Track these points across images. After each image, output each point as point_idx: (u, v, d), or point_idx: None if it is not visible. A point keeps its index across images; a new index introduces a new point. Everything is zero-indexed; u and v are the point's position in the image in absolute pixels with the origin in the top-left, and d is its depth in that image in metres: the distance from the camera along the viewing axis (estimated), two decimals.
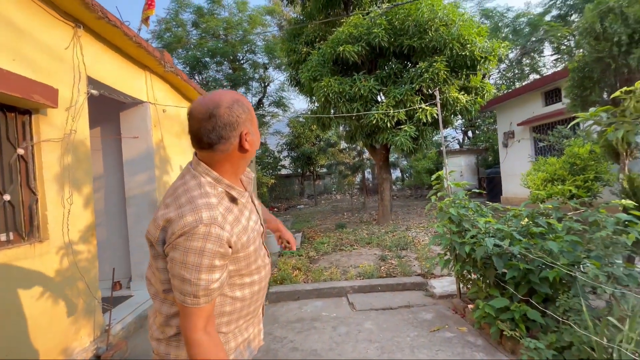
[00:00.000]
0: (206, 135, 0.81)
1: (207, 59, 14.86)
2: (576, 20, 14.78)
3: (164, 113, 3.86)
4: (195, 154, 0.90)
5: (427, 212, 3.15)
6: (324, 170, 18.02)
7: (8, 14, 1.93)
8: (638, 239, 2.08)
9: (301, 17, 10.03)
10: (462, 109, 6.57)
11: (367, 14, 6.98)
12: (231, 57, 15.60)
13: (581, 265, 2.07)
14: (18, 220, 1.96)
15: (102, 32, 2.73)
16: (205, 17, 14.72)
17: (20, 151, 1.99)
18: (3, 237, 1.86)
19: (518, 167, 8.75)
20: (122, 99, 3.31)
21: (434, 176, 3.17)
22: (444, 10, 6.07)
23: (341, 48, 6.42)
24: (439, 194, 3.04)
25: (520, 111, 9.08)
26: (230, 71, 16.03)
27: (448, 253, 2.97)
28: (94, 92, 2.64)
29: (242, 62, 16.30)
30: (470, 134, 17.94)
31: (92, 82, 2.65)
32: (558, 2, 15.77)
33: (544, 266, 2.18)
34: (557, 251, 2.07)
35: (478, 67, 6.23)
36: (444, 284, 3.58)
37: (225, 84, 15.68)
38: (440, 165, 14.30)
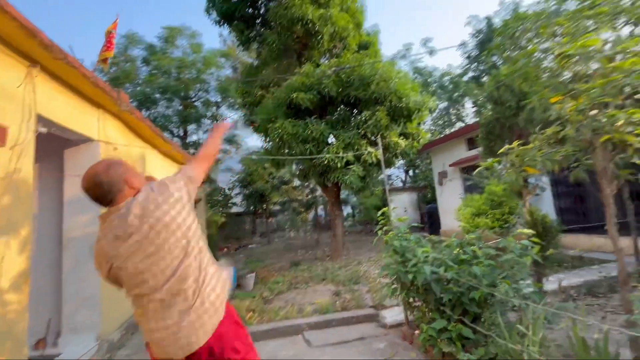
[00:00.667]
0: (104, 198, 1.15)
1: (157, 95, 14.57)
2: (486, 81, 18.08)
3: (114, 151, 3.76)
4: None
5: (375, 245, 3.45)
6: (278, 207, 17.97)
7: None
8: (536, 260, 2.61)
9: (256, 63, 10.67)
10: (402, 152, 7.42)
11: (318, 66, 7.78)
12: (183, 95, 15.53)
13: (498, 286, 2.49)
14: None
15: (59, 72, 2.73)
16: (157, 55, 14.69)
17: None
18: None
19: (452, 203, 9.86)
20: (70, 136, 3.19)
21: (379, 212, 3.55)
22: (383, 68, 7.07)
23: (295, 95, 6.99)
24: (384, 229, 3.39)
25: (451, 154, 10.47)
26: (181, 108, 15.84)
27: (395, 282, 3.26)
28: (43, 130, 2.56)
29: (193, 100, 16.28)
30: (411, 173, 19.73)
31: (42, 120, 2.58)
32: (472, 67, 19.20)
33: (472, 288, 2.56)
34: (480, 274, 2.47)
35: (413, 116, 7.23)
36: (394, 314, 3.82)
37: (174, 120, 15.36)
38: (387, 202, 15.36)
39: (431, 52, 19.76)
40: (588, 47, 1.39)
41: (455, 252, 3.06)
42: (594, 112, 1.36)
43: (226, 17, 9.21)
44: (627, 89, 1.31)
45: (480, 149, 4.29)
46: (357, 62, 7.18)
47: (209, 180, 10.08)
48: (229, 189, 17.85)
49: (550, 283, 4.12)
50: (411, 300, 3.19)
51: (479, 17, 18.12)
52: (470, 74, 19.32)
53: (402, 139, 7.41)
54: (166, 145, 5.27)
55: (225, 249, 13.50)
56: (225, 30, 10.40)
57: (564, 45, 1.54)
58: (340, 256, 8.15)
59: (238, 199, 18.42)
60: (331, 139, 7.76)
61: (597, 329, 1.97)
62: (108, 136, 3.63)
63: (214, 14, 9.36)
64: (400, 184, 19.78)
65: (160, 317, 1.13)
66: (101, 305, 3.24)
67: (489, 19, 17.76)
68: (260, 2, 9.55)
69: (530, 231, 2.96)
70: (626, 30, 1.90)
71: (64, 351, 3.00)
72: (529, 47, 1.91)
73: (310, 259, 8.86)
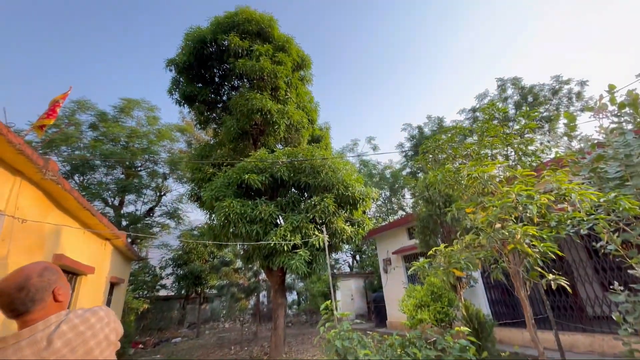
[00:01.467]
0: (27, 302, 1.00)
1: (98, 162, 13.66)
2: (421, 177, 20.67)
3: (21, 224, 3.24)
4: (21, 322, 1.01)
5: (316, 343, 3.15)
6: (214, 291, 16.10)
7: None
8: None
9: (212, 141, 10.96)
10: (348, 238, 7.59)
11: (273, 151, 8.24)
12: (128, 164, 14.80)
13: None
14: None
15: None
16: (107, 123, 14.35)
17: None
18: None
19: (396, 293, 9.86)
20: None
21: (322, 306, 3.38)
22: (332, 161, 7.73)
23: (247, 176, 7.10)
24: (327, 325, 3.19)
25: (394, 241, 10.97)
26: (123, 176, 14.88)
27: None
28: None
29: (139, 169, 15.54)
30: (358, 258, 19.87)
31: None
32: (409, 164, 22.02)
33: None
34: None
35: (358, 205, 7.69)
36: None
37: (112, 187, 14.19)
38: (335, 288, 14.79)
39: (374, 149, 22.48)
40: (487, 172, 1.76)
41: (398, 352, 2.93)
42: (498, 225, 1.63)
43: (188, 99, 9.71)
44: (520, 208, 1.63)
45: (417, 241, 4.60)
46: (309, 153, 7.78)
47: (137, 258, 8.93)
48: (160, 268, 15.83)
49: None
50: None
51: (412, 125, 21.77)
52: (408, 169, 22.02)
53: (348, 226, 7.67)
54: (92, 219, 4.72)
55: (141, 345, 11.14)
56: (185, 109, 10.81)
57: (470, 168, 1.92)
58: (280, 354, 7.20)
59: (169, 281, 16.23)
60: (280, 221, 7.72)
61: None
62: (20, 207, 3.16)
63: (177, 95, 9.83)
64: (348, 269, 19.58)
65: None
66: None
67: (420, 128, 21.38)
68: (223, 90, 10.42)
69: (466, 329, 3.02)
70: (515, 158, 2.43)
71: None
72: (445, 163, 2.33)
73: (246, 358, 7.65)
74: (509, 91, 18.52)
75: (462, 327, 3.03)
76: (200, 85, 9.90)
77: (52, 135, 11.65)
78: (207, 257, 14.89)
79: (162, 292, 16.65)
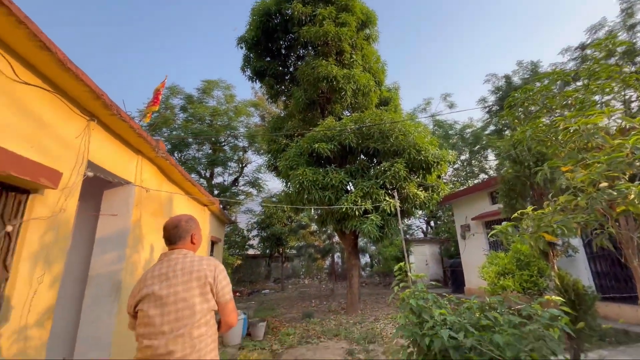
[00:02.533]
0: (176, 236, 1.60)
1: (190, 140, 15.74)
2: (509, 135, 18.10)
3: (147, 193, 4.06)
4: (169, 248, 1.62)
5: (390, 302, 3.31)
6: (294, 252, 17.71)
7: (37, 109, 2.28)
8: (566, 331, 2.40)
9: (282, 114, 11.48)
10: (421, 203, 7.36)
11: (340, 119, 8.25)
12: (213, 140, 16.68)
13: (523, 358, 2.28)
14: None
15: (110, 124, 3.13)
16: (194, 104, 16.21)
17: (9, 228, 2.07)
18: None
19: (476, 259, 9.35)
20: (111, 179, 3.52)
21: (396, 267, 3.47)
22: (402, 123, 7.38)
23: (317, 145, 7.35)
24: (401, 285, 3.29)
25: (473, 207, 10.20)
26: (211, 151, 16.91)
27: (411, 345, 3.06)
28: (90, 174, 2.87)
29: (223, 144, 17.39)
30: (432, 224, 19.13)
31: (91, 165, 2.91)
32: (494, 121, 19.41)
33: (494, 359, 2.36)
34: (503, 344, 2.30)
35: (432, 169, 7.29)
36: None
37: (203, 162, 16.31)
38: (408, 253, 14.75)
39: (451, 106, 20.37)
40: (591, 122, 1.46)
41: (476, 315, 2.88)
42: (604, 184, 1.38)
43: (258, 74, 10.22)
44: (637, 164, 1.34)
45: (500, 205, 4.21)
46: (377, 118, 7.55)
47: (229, 221, 10.32)
48: (247, 230, 18.02)
49: None
50: None
51: (497, 75, 18.80)
52: (492, 127, 19.48)
53: (421, 191, 7.40)
54: (192, 188, 5.59)
55: (238, 293, 13.22)
56: (257, 84, 11.44)
57: (569, 120, 1.62)
58: (355, 310, 7.74)
59: (255, 241, 18.45)
60: (350, 188, 7.89)
61: None
62: (143, 179, 3.95)
63: (248, 71, 10.43)
64: (421, 235, 19.12)
65: (152, 354, 1.35)
66: (112, 347, 3.24)
67: (507, 77, 18.37)
68: (290, 61, 10.61)
69: (559, 298, 2.77)
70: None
71: None
72: (537, 117, 2.01)
73: (324, 311, 8.46)
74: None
75: (553, 297, 2.79)
76: (268, 59, 10.26)
77: (156, 119, 13.79)
78: (285, 221, 16.30)
79: (251, 251, 19.03)
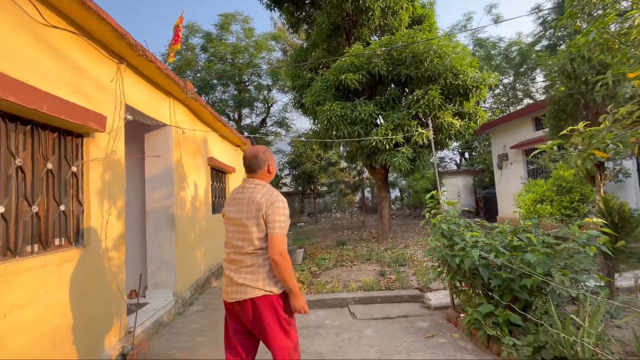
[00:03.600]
0: (255, 165, 1.72)
1: (215, 81, 15.56)
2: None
3: (183, 134, 4.25)
4: (248, 175, 1.77)
5: (422, 227, 3.44)
6: (325, 188, 18.34)
7: (72, 56, 2.34)
8: (604, 250, 2.40)
9: (305, 45, 10.72)
10: (457, 133, 7.00)
11: (368, 44, 7.57)
12: (237, 80, 16.35)
13: (554, 274, 2.36)
14: (69, 227, 2.28)
15: (139, 66, 3.15)
16: (214, 42, 15.58)
17: (74, 169, 2.33)
18: (57, 242, 2.17)
19: (512, 188, 9.10)
20: (149, 122, 3.70)
21: (428, 195, 3.51)
22: (438, 43, 6.63)
23: (343, 76, 6.94)
24: (432, 212, 3.36)
25: (513, 135, 9.55)
26: (236, 92, 16.75)
27: (441, 265, 3.25)
28: (130, 117, 3.02)
29: (247, 84, 17.05)
30: (467, 155, 18.42)
31: (128, 109, 3.04)
32: (547, 34, 16.75)
33: (524, 276, 2.47)
34: (534, 262, 2.37)
35: (470, 95, 6.71)
36: (439, 297, 3.82)
37: (230, 104, 16.33)
38: (440, 185, 14.66)
39: (496, 20, 17.69)
40: None
41: (508, 238, 2.93)
42: None
43: (276, 0, 9.34)
44: None
45: (546, 129, 3.89)
46: (409, 39, 6.81)
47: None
48: (279, 170, 18.70)
49: (625, 279, 3.71)
50: (457, 284, 3.17)
51: None
52: (544, 42, 16.92)
53: (457, 120, 6.96)
54: (224, 128, 5.74)
55: None
56: (276, 13, 10.56)
57: None
58: (386, 238, 8.17)
59: (287, 180, 19.24)
60: (380, 121, 7.62)
61: None
62: (177, 121, 4.11)
63: None
64: (455, 167, 18.65)
65: (226, 266, 1.67)
66: (175, 268, 3.81)
67: None
68: None
69: (600, 220, 2.70)
70: None
71: (151, 302, 3.64)
72: (606, 15, 1.68)
73: (356, 239, 9.04)
74: None
75: (594, 219, 2.73)
76: None
77: (178, 62, 13.60)
78: (315, 159, 16.56)
79: (284, 189, 20.00)
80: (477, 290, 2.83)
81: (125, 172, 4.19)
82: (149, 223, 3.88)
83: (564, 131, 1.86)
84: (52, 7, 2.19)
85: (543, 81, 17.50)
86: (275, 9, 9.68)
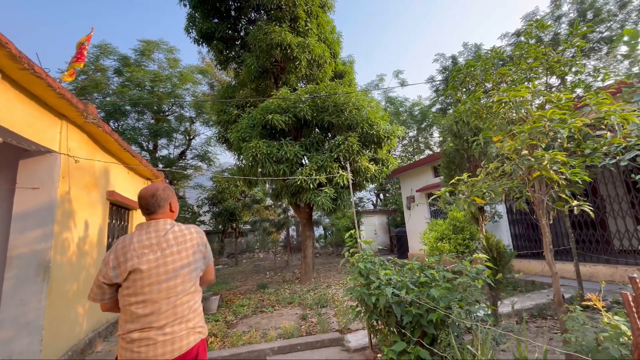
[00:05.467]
0: (155, 205, 1.54)
1: (128, 107, 14.12)
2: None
3: (76, 164, 3.60)
4: (148, 218, 1.57)
5: (341, 267, 3.51)
6: (248, 227, 17.54)
7: None
8: (488, 283, 2.80)
9: (233, 82, 10.79)
10: (372, 176, 7.70)
11: (295, 90, 8.04)
12: (155, 108, 15.17)
13: (453, 307, 2.62)
14: None
15: (23, 82, 2.65)
16: (131, 67, 14.39)
17: None
18: None
19: (419, 227, 10.23)
20: (28, 147, 3.04)
21: (347, 235, 3.64)
22: (356, 97, 7.46)
23: (270, 116, 7.12)
24: (351, 250, 3.48)
25: (418, 180, 11.00)
26: (153, 121, 15.42)
27: (359, 305, 3.31)
28: None
29: (167, 114, 15.94)
30: (382, 196, 20.28)
31: None
32: (440, 99, 20.64)
33: (430, 310, 2.67)
34: (437, 297, 2.60)
35: (383, 143, 7.59)
36: (358, 337, 3.83)
37: (145, 132, 14.87)
38: (359, 223, 15.58)
39: (402, 84, 21.08)
40: (519, 96, 1.64)
41: (416, 275, 3.19)
42: (525, 152, 1.58)
43: (205, 36, 9.35)
44: (551, 134, 1.55)
45: (442, 177, 4.61)
46: (332, 90, 7.51)
47: (177, 196, 9.72)
48: (197, 207, 17.26)
49: (505, 306, 4.37)
50: (374, 323, 3.24)
51: (445, 55, 19.77)
52: (438, 105, 20.74)
53: (372, 164, 7.71)
54: (133, 159, 5.11)
55: None
56: (204, 48, 10.50)
57: (502, 93, 1.79)
58: (309, 279, 8.06)
59: (206, 217, 17.81)
60: (304, 161, 7.91)
61: (538, 348, 2.14)
62: (70, 148, 3.49)
63: (194, 33, 9.48)
64: (372, 207, 20.21)
65: (147, 323, 1.37)
66: (43, 332, 2.97)
67: (454, 58, 19.42)
68: (240, 25, 9.84)
69: (484, 256, 3.18)
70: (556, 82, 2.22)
71: None
72: (476, 91, 2.18)
73: (279, 281, 8.67)
74: (565, 7, 15.79)
75: (480, 255, 3.20)
76: (216, 20, 9.39)
77: (83, 82, 12.00)
78: (239, 196, 15.93)
79: (202, 228, 18.40)
80: (391, 328, 2.93)
81: None
82: (9, 274, 3.00)
83: (453, 180, 2.22)
84: None
85: (438, 137, 21.14)
86: (204, 44, 9.64)
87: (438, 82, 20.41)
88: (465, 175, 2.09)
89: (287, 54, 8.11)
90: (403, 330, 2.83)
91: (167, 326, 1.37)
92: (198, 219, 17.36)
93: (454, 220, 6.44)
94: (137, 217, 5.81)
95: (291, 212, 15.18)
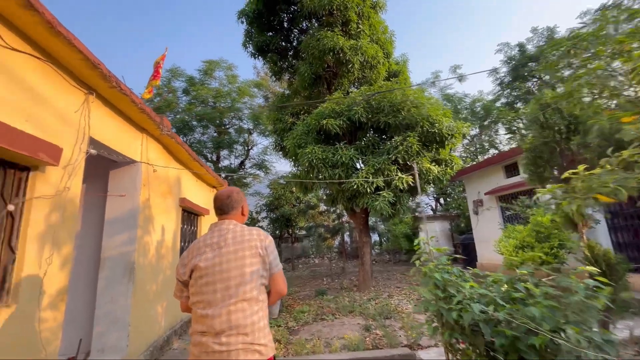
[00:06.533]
0: (229, 206, 1.58)
1: (195, 123, 15.51)
2: (521, 107, 17.42)
3: (154, 173, 3.92)
4: (220, 218, 1.59)
5: (411, 276, 3.20)
6: (303, 232, 17.79)
7: (30, 80, 2.09)
8: (607, 304, 2.25)
9: (287, 92, 11.12)
10: (435, 179, 7.14)
11: (348, 93, 7.92)
12: (217, 122, 16.41)
13: (561, 332, 2.15)
14: None
15: (111, 99, 2.94)
16: (196, 86, 15.84)
17: (11, 207, 1.95)
18: None
19: (489, 234, 9.20)
20: (117, 158, 3.38)
21: (416, 241, 3.32)
22: (414, 95, 7.03)
23: (325, 121, 7.08)
24: (422, 259, 3.15)
25: (487, 181, 9.95)
26: (215, 134, 16.69)
27: (435, 320, 2.96)
28: (93, 151, 2.72)
29: (227, 126, 17.13)
30: (442, 200, 18.93)
31: (93, 142, 2.75)
32: (505, 93, 18.71)
33: (529, 332, 2.23)
34: (539, 317, 2.16)
35: (446, 142, 7.00)
36: (432, 355, 3.45)
37: (209, 145, 16.14)
38: (417, 230, 14.67)
39: (461, 78, 19.62)
40: None
41: (502, 288, 2.74)
42: None
43: (261, 50, 9.81)
44: None
45: (525, 175, 3.99)
46: (387, 89, 7.21)
47: None
48: (255, 212, 18.07)
49: (618, 331, 3.56)
50: (454, 341, 2.86)
51: (509, 44, 17.88)
52: (503, 100, 18.80)
53: (435, 166, 7.16)
54: (200, 168, 5.45)
55: None
56: (260, 62, 11.04)
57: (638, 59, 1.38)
58: (368, 287, 7.74)
59: (264, 223, 18.55)
60: (359, 165, 7.68)
61: None
62: (149, 158, 3.81)
63: (250, 47, 10.02)
64: (430, 212, 18.97)
65: (207, 326, 1.31)
66: (129, 328, 3.22)
67: (521, 46, 17.47)
68: (292, 36, 10.13)
69: (594, 269, 2.60)
70: None
71: None
72: (588, 66, 1.76)
73: (337, 288, 8.50)
74: None
75: (587, 267, 2.62)
76: (270, 33, 9.80)
77: (158, 103, 13.53)
78: (294, 202, 16.26)
79: None
80: (478, 350, 2.53)
81: (82, 214, 3.73)
82: (102, 274, 3.34)
83: (566, 174, 1.81)
84: (16, 30, 2.00)
85: (505, 133, 19.11)
86: (260, 57, 10.11)
87: (502, 75, 18.55)
88: (581, 168, 1.68)
89: (340, 58, 8.05)
90: (492, 353, 2.41)
91: (222, 335, 1.29)
92: (257, 224, 18.15)
93: (538, 226, 5.58)
94: (205, 223, 6.17)
95: (345, 217, 14.97)
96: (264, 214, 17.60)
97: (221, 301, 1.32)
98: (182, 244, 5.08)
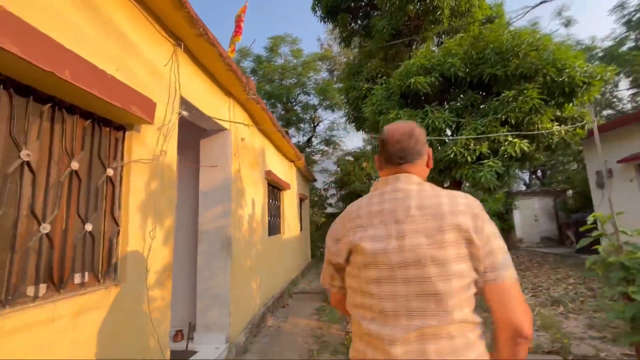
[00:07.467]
0: (414, 150, 0.90)
1: (265, 101, 15.70)
2: None
3: (242, 142, 3.61)
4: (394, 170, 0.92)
5: (589, 267, 2.29)
6: None
7: (118, 23, 1.75)
8: None
9: (357, 58, 10.16)
10: (560, 142, 5.63)
11: (439, 44, 6.68)
12: (284, 100, 16.33)
13: None
14: (96, 256, 1.58)
15: (198, 52, 2.57)
16: (263, 64, 15.86)
17: (110, 172, 1.67)
18: (77, 279, 1.46)
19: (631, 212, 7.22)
20: (205, 125, 3.10)
21: (590, 217, 2.36)
22: (534, 35, 5.51)
23: (412, 80, 6.05)
24: (608, 244, 2.20)
25: (618, 147, 7.76)
26: (283, 112, 16.69)
27: (630, 323, 2.04)
28: (185, 113, 2.40)
29: (293, 104, 16.96)
30: (539, 173, 16.10)
31: (184, 102, 2.43)
32: (632, 35, 14.56)
33: None
34: None
35: (579, 93, 5.38)
36: None
37: (280, 124, 16.28)
38: (510, 208, 12.65)
39: (567, 23, 15.89)
40: None
41: None
42: None
43: (331, 11, 9.00)
44: None
45: None
46: (492, 35, 5.80)
47: (313, 178, 10.02)
48: (324, 189, 17.91)
49: None
50: None
51: None
52: (631, 43, 14.67)
53: (557, 125, 5.62)
54: (282, 140, 5.10)
55: (322, 248, 13.42)
56: (324, 29, 10.24)
57: None
58: None
59: (332, 200, 18.32)
60: (449, 132, 6.53)
61: None
62: (237, 126, 3.49)
63: (319, 11, 9.27)
64: (523, 188, 16.37)
65: (382, 350, 0.76)
66: (230, 305, 3.02)
67: None
68: None
69: None
70: None
71: (199, 350, 2.85)
72: None
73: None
74: None
75: None
76: None
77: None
78: (364, 179, 15.56)
79: (329, 210, 19.11)
80: None
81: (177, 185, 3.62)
82: (201, 247, 3.19)
83: None
84: None
85: (628, 88, 15.04)
86: (329, 21, 9.32)
87: (631, 11, 14.35)
88: None
89: (427, 4, 6.78)
90: None
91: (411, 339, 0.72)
92: (326, 202, 18.05)
93: None
94: (287, 198, 5.92)
95: None
96: (332, 191, 17.32)
97: (406, 316, 0.74)
98: (269, 218, 4.86)
